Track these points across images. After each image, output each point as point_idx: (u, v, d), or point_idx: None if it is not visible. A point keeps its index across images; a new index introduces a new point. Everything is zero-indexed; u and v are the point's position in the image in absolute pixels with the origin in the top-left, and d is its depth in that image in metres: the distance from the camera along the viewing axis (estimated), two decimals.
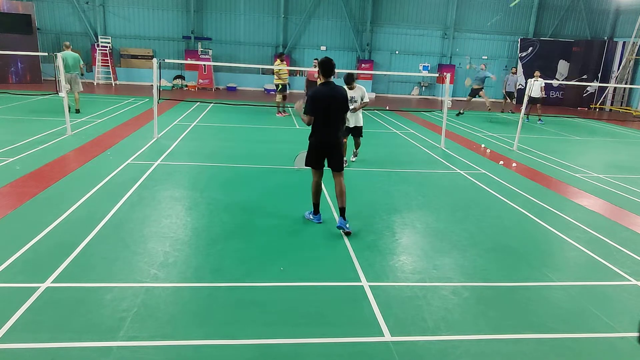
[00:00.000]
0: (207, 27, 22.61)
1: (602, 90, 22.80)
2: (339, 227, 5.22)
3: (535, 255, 5.04)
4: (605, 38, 23.55)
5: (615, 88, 22.71)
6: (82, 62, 12.70)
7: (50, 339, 3.17)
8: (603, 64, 22.67)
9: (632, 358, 3.38)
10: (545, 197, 7.17)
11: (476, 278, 4.44)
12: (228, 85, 22.73)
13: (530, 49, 23.49)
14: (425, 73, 23.62)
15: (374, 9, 23.19)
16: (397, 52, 24.12)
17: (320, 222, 5.54)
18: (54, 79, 10.47)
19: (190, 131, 11.05)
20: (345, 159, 7.11)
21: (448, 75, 10.75)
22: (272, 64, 19.40)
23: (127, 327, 3.32)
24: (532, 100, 15.41)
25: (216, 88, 22.45)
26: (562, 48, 23.54)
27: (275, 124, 13.12)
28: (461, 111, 16.89)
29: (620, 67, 22.29)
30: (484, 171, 8.63)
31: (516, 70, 19.18)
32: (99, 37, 21.48)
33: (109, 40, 21.53)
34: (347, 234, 5.19)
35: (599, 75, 22.77)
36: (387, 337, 3.42)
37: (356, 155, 8.83)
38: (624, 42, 22.41)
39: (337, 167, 5.37)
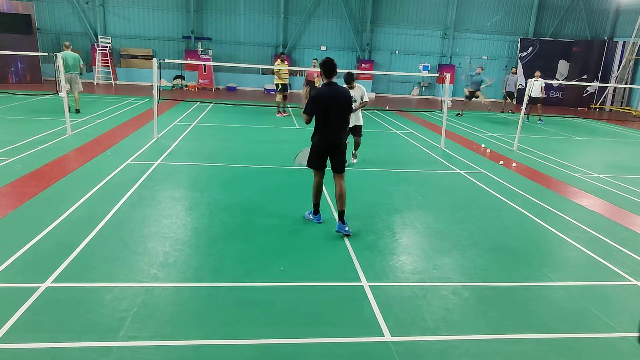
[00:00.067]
0: (207, 27, 22.61)
1: (602, 90, 22.80)
2: (338, 232, 5.22)
3: (535, 255, 5.04)
4: (605, 38, 23.55)
5: (615, 88, 22.71)
6: (82, 62, 12.71)
7: (50, 339, 3.17)
8: (603, 64, 22.68)
9: (632, 358, 3.38)
10: (545, 197, 7.17)
11: (476, 278, 4.44)
12: (228, 85, 22.73)
13: (530, 49, 23.50)
14: (425, 73, 23.61)
15: (374, 9, 23.19)
16: (397, 52, 24.11)
17: (320, 222, 5.54)
18: (54, 79, 10.47)
19: (190, 131, 11.05)
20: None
21: (448, 75, 10.75)
22: (272, 64, 19.42)
23: (127, 327, 3.32)
24: (533, 100, 15.41)
25: (216, 88, 22.45)
26: (562, 48, 23.54)
27: (275, 124, 13.12)
28: (460, 113, 16.94)
29: (620, 67, 22.30)
30: (484, 171, 8.63)
31: (516, 70, 19.20)
32: (99, 37, 21.47)
33: (109, 40, 21.53)
34: (347, 236, 5.19)
35: (599, 75, 22.77)
36: (387, 337, 3.42)
37: (356, 157, 8.72)
38: (624, 42, 22.41)
39: (339, 169, 5.36)
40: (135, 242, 4.74)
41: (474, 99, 16.93)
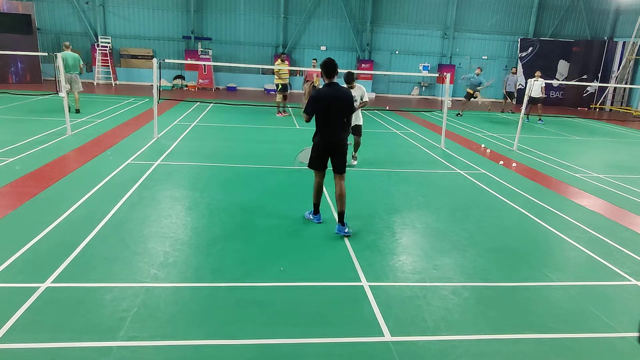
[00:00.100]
0: (207, 27, 22.61)
1: (602, 90, 22.80)
2: (338, 233, 5.22)
3: (535, 255, 5.04)
4: (605, 38, 23.55)
5: (615, 88, 22.71)
6: (82, 62, 12.70)
7: (50, 339, 3.17)
8: (603, 64, 22.68)
9: (632, 358, 3.38)
10: (545, 197, 7.17)
11: (476, 278, 4.44)
12: (228, 85, 22.73)
13: (530, 49, 23.50)
14: (425, 73, 23.62)
15: (374, 9, 23.19)
16: (397, 52, 24.11)
17: (320, 222, 5.54)
18: (54, 79, 10.47)
19: (190, 131, 11.05)
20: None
21: (448, 75, 10.75)
22: (272, 64, 19.42)
23: (127, 327, 3.32)
24: (533, 100, 15.41)
25: (216, 88, 22.45)
26: (562, 48, 23.54)
27: (275, 124, 13.12)
28: (460, 113, 16.96)
29: (620, 67, 22.30)
30: (484, 171, 8.63)
31: (516, 70, 19.21)
32: (99, 37, 21.47)
33: (109, 40, 21.53)
34: (347, 236, 5.18)
35: (599, 75, 22.77)
36: (387, 337, 3.42)
37: (356, 159, 8.65)
38: (624, 42, 22.41)
39: (340, 169, 5.36)
40: (135, 242, 4.74)
41: (472, 99, 16.95)
